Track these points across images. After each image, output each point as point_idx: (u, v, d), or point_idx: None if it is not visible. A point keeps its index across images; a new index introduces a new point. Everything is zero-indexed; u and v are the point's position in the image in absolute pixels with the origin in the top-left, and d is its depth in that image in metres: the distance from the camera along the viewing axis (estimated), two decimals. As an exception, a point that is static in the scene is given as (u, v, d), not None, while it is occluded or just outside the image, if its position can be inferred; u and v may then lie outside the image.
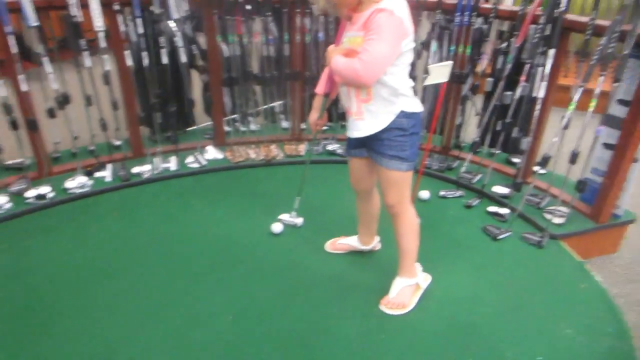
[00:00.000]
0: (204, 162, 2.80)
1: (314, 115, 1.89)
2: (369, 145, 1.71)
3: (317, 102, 1.87)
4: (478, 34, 2.71)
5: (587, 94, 2.19)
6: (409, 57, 1.57)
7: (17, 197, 2.40)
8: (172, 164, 2.75)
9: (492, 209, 2.46)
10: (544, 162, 2.33)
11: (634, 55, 2.14)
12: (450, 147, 2.97)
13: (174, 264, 2.05)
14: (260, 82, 2.94)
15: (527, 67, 2.43)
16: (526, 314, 1.84)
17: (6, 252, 2.09)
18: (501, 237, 2.27)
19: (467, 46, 2.70)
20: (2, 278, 1.95)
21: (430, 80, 1.94)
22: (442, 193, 2.61)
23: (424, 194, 2.56)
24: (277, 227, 2.24)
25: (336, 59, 1.55)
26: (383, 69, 1.50)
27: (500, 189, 2.58)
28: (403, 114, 1.61)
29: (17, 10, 2.22)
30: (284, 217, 2.31)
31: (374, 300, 1.86)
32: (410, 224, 1.80)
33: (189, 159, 2.81)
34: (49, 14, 2.50)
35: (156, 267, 2.03)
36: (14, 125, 2.36)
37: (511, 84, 2.56)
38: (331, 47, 1.64)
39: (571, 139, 2.29)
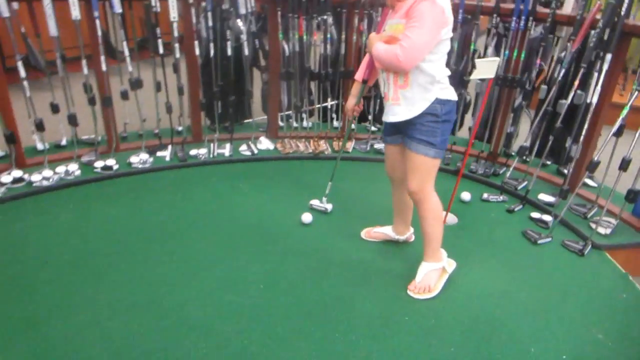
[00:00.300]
0: (256, 151, 2.96)
1: (352, 102, 1.96)
2: (403, 130, 1.76)
3: (356, 89, 1.94)
4: (535, 40, 2.70)
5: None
6: (447, 46, 1.63)
7: (86, 166, 2.65)
8: (227, 150, 2.93)
9: (535, 215, 2.42)
10: (593, 167, 2.26)
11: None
12: (498, 154, 2.94)
13: (216, 236, 2.18)
14: (315, 78, 3.07)
15: (581, 72, 2.39)
16: (557, 316, 1.80)
17: (71, 212, 2.32)
18: (541, 242, 2.22)
19: (521, 52, 2.70)
20: (65, 233, 2.16)
21: (476, 75, 1.98)
22: (484, 196, 2.59)
23: (465, 196, 2.56)
24: (307, 217, 2.28)
25: (377, 45, 1.63)
26: (422, 55, 1.57)
27: (545, 197, 2.53)
28: (437, 101, 1.66)
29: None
30: (315, 202, 2.39)
31: (401, 285, 1.89)
32: (433, 209, 1.82)
33: (243, 147, 2.98)
34: (132, 5, 2.75)
35: (200, 236, 2.17)
36: (91, 101, 2.62)
37: (564, 91, 2.52)
38: (372, 35, 1.72)
39: (623, 150, 2.22)
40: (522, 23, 2.67)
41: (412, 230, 2.15)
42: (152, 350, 1.57)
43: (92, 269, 1.94)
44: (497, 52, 2.90)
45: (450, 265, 1.94)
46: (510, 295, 1.89)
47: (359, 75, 1.91)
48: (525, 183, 2.66)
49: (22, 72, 2.37)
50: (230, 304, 1.78)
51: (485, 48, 2.95)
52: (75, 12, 2.37)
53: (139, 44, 3.03)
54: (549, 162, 2.98)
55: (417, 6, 1.52)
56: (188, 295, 1.82)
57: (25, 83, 2.41)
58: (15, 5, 2.39)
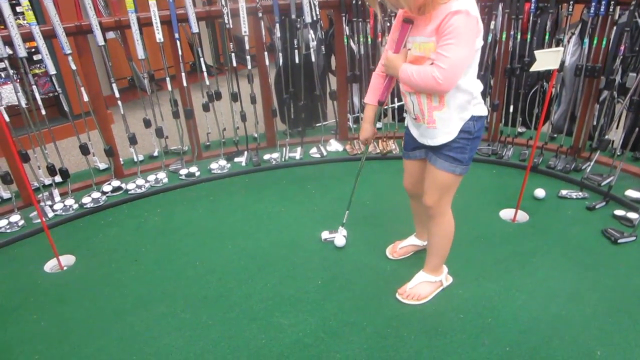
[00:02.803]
0: (325, 153, 3.06)
1: (370, 129, 1.77)
2: (430, 148, 1.64)
3: (370, 113, 1.75)
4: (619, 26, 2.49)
5: None
6: (478, 57, 1.48)
7: (172, 174, 2.94)
8: (298, 153, 3.06)
9: (620, 212, 2.23)
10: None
11: None
12: (580, 148, 2.74)
13: (282, 234, 2.31)
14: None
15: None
16: (631, 319, 1.67)
17: (158, 215, 2.59)
18: (622, 241, 2.05)
19: (602, 39, 2.50)
20: (153, 234, 2.42)
21: (537, 67, 1.90)
22: (562, 193, 2.44)
23: (539, 193, 2.43)
24: (340, 241, 2.18)
25: (405, 68, 1.48)
26: (462, 73, 1.43)
27: (633, 193, 2.32)
28: (472, 118, 1.54)
29: (185, 20, 2.73)
30: (325, 234, 2.25)
31: (457, 282, 1.87)
32: (445, 228, 1.75)
33: (313, 150, 3.10)
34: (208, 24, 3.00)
35: (266, 235, 2.32)
36: (175, 114, 2.90)
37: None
38: (392, 55, 1.55)
39: None
40: (602, 8, 2.47)
41: None
42: (218, 339, 1.73)
43: (173, 266, 2.16)
44: (581, 40, 2.71)
45: (448, 279, 1.88)
46: (580, 296, 1.78)
47: (373, 99, 1.73)
48: (611, 179, 2.45)
49: (117, 93, 2.69)
50: (290, 299, 1.89)
51: (571, 36, 2.78)
52: (159, 35, 2.66)
53: (218, 63, 3.29)
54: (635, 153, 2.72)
55: (450, 21, 1.35)
56: (252, 289, 1.96)
57: (120, 103, 2.73)
58: (111, 34, 2.73)
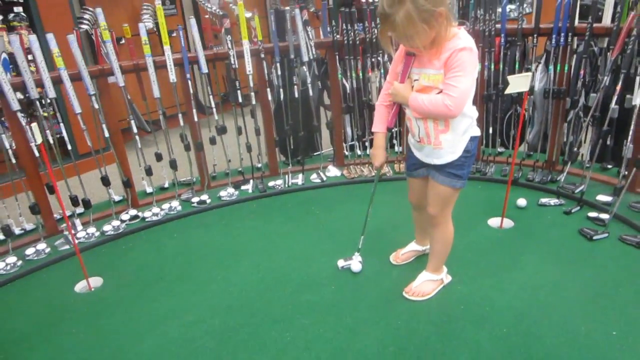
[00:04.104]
0: (325, 179, 3.32)
1: (382, 154, 1.94)
2: (432, 166, 1.87)
3: (381, 141, 1.93)
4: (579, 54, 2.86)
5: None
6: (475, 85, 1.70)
7: (185, 202, 3.16)
8: (299, 179, 3.32)
9: (593, 214, 2.53)
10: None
11: None
12: (556, 162, 3.06)
13: (293, 250, 2.54)
14: (373, 109, 3.40)
15: (622, 76, 2.52)
16: (609, 300, 1.92)
17: (175, 239, 2.79)
18: (597, 237, 2.33)
19: (564, 65, 2.86)
20: (173, 255, 2.61)
21: (510, 90, 2.21)
22: (542, 201, 2.74)
23: (521, 202, 2.72)
24: (356, 267, 2.28)
25: (416, 97, 1.69)
26: (468, 100, 1.67)
27: (603, 197, 2.62)
28: (471, 138, 1.79)
29: (195, 62, 3.03)
30: (340, 262, 2.34)
31: (456, 280, 2.11)
32: (447, 234, 1.99)
33: (313, 176, 3.36)
34: (216, 65, 3.29)
35: (279, 251, 2.54)
36: (187, 147, 3.15)
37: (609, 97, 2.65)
38: (399, 85, 1.75)
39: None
40: (562, 39, 2.85)
41: None
42: (247, 339, 1.92)
43: (196, 281, 2.36)
44: (547, 67, 3.08)
45: (448, 277, 2.12)
46: (563, 285, 2.04)
47: (382, 127, 1.93)
48: (583, 186, 2.76)
49: (134, 129, 2.94)
50: (307, 302, 2.10)
51: (538, 64, 3.14)
52: (172, 76, 2.93)
53: (222, 97, 3.57)
54: (609, 166, 3.04)
55: (457, 56, 1.58)
56: (272, 297, 2.17)
57: (137, 137, 2.98)
58: (112, 78, 2.98)
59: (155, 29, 4.79)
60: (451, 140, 1.76)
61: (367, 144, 3.58)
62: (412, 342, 1.81)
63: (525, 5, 4.72)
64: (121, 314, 2.16)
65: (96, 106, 2.78)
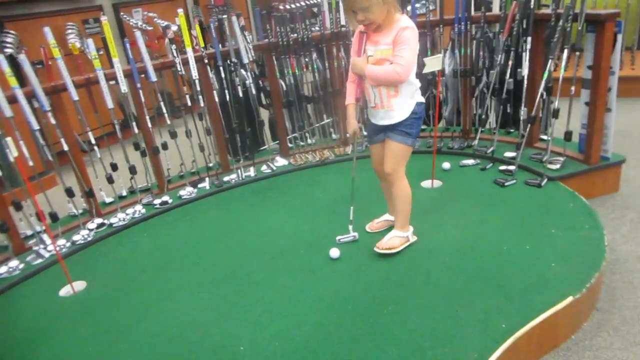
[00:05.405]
0: (275, 168, 3.65)
1: (354, 123, 2.27)
2: (388, 129, 2.20)
3: (352, 111, 2.27)
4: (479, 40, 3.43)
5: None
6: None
7: (147, 205, 3.34)
8: (251, 172, 3.62)
9: (503, 167, 3.08)
10: (532, 120, 2.97)
11: (589, 30, 2.78)
12: (469, 131, 3.62)
13: (260, 229, 2.85)
14: (311, 102, 3.80)
15: (512, 54, 3.10)
16: (521, 226, 2.45)
17: (147, 238, 2.98)
18: (507, 184, 2.87)
19: (466, 48, 3.42)
20: (148, 252, 2.80)
21: (427, 69, 2.66)
22: (462, 162, 3.26)
23: (446, 165, 3.22)
24: (334, 253, 2.42)
25: (372, 67, 2.08)
26: (413, 68, 2.07)
27: (509, 154, 3.19)
28: (417, 103, 2.18)
29: (144, 72, 3.23)
30: (341, 237, 2.54)
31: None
32: (403, 190, 2.28)
33: (264, 167, 3.68)
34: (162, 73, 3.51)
35: (247, 232, 2.84)
36: (143, 153, 3.34)
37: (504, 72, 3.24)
38: (357, 59, 2.14)
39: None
40: (462, 27, 3.40)
41: None
42: (237, 302, 2.21)
43: (177, 267, 2.59)
44: (453, 53, 3.62)
45: (414, 237, 2.41)
46: (486, 220, 2.55)
47: (351, 99, 2.26)
48: (492, 148, 3.32)
49: (93, 140, 3.10)
50: (284, 266, 2.42)
51: (446, 50, 3.68)
52: (124, 87, 3.13)
53: (178, 107, 3.77)
54: (511, 130, 3.65)
55: (402, 33, 2.01)
56: (251, 267, 2.46)
57: (96, 148, 3.14)
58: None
59: (83, 47, 4.85)
60: (400, 102, 2.14)
61: (307, 135, 3.96)
62: (394, 277, 2.20)
63: (429, 3, 5.40)
64: (114, 304, 2.34)
65: (53, 121, 2.91)
